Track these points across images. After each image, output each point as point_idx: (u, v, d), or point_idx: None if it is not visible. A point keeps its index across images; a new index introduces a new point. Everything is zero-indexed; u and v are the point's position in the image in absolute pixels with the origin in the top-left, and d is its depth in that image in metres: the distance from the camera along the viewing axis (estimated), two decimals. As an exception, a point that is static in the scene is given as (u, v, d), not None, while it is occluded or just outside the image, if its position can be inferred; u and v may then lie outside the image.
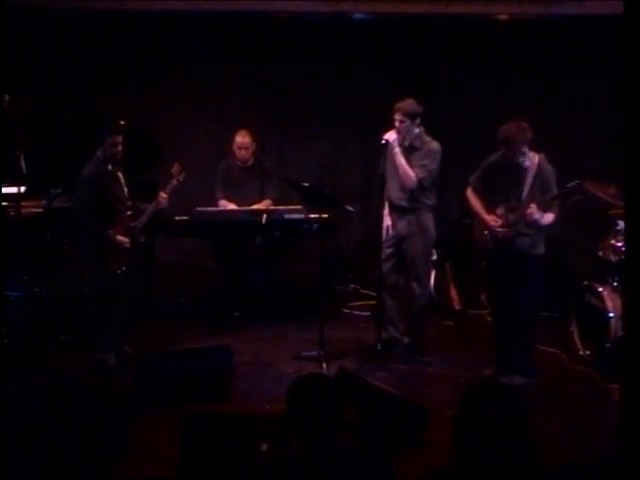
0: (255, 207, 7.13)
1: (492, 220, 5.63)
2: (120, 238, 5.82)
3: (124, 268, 5.85)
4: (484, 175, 5.78)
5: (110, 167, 5.86)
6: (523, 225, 5.52)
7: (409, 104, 6.05)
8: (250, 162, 7.36)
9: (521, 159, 5.51)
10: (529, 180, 5.54)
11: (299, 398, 2.79)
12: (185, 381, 5.17)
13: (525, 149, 5.49)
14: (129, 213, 5.93)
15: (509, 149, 5.48)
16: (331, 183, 7.98)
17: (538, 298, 5.85)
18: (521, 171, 5.56)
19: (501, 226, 5.59)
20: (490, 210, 5.68)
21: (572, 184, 5.37)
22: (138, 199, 6.15)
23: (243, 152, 7.28)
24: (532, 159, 5.54)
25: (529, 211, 5.41)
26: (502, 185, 5.65)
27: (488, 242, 5.70)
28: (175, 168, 6.17)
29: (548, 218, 5.49)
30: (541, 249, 5.65)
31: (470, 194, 5.82)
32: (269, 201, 7.24)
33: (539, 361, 5.88)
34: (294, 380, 2.86)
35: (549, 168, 5.59)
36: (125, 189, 5.96)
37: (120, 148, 5.82)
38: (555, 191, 5.50)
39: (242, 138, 7.28)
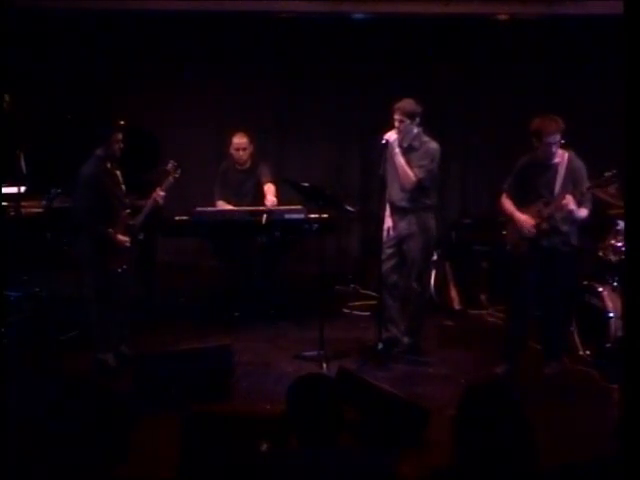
0: (266, 188, 7.15)
1: (526, 219, 5.65)
2: (120, 237, 5.82)
3: (125, 266, 5.86)
4: (517, 178, 5.81)
5: (109, 165, 5.86)
6: (559, 220, 5.57)
7: (408, 103, 6.05)
8: (248, 165, 7.35)
9: (553, 149, 5.54)
10: (561, 176, 5.60)
11: (299, 398, 2.79)
12: (185, 381, 5.17)
13: (553, 139, 5.50)
14: (127, 211, 5.94)
15: (540, 140, 5.51)
16: (331, 183, 7.99)
17: (573, 290, 6.01)
18: (552, 168, 5.62)
19: (535, 225, 5.61)
20: (524, 210, 5.71)
21: (609, 174, 5.41)
22: (136, 197, 6.15)
23: (241, 153, 7.28)
24: (562, 156, 5.61)
25: (565, 202, 5.44)
26: (535, 184, 5.69)
27: (522, 242, 5.71)
28: (170, 165, 6.18)
29: (583, 212, 5.55)
30: (572, 246, 5.71)
31: (504, 200, 5.85)
32: (272, 186, 7.19)
33: (539, 361, 5.89)
34: (294, 380, 2.86)
35: (580, 163, 5.66)
36: (123, 187, 5.97)
37: (122, 145, 5.84)
38: (588, 183, 5.55)
39: (239, 139, 7.28)
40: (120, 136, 5.81)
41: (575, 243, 5.72)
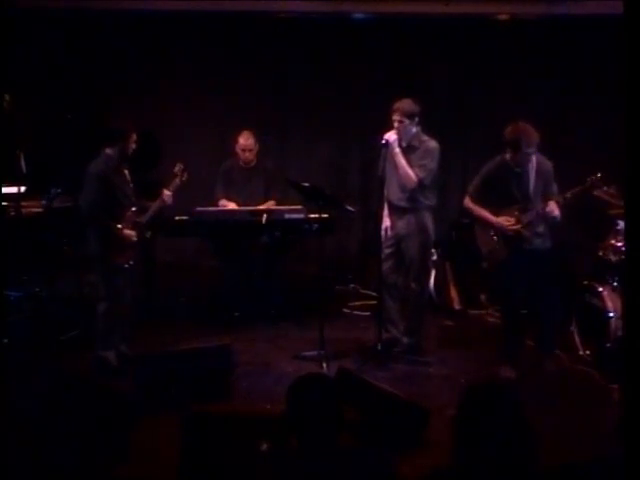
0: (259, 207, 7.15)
1: (504, 220, 5.66)
2: (128, 232, 5.84)
3: (131, 262, 5.87)
4: (484, 182, 5.81)
5: (118, 164, 5.88)
6: (537, 224, 5.59)
7: (407, 103, 6.05)
8: (253, 163, 7.35)
9: (530, 158, 5.55)
10: (532, 179, 5.64)
11: (299, 398, 2.79)
12: (185, 381, 5.17)
13: (532, 150, 5.52)
14: (134, 209, 5.96)
15: (519, 150, 5.52)
16: (331, 183, 7.99)
17: (560, 285, 6.02)
18: (524, 172, 5.61)
19: (514, 224, 5.62)
20: (497, 214, 5.71)
21: (593, 177, 5.44)
22: (141, 197, 6.17)
23: (247, 154, 7.26)
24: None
25: (549, 209, 5.48)
26: (506, 188, 5.69)
27: (498, 246, 5.71)
28: (178, 168, 6.19)
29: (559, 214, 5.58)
30: (550, 242, 5.75)
31: (470, 204, 5.86)
32: (273, 202, 7.23)
33: (538, 361, 5.89)
34: (294, 380, 2.86)
35: (548, 163, 5.70)
36: (131, 185, 5.99)
37: (135, 145, 5.87)
38: (555, 186, 5.58)
39: (245, 140, 7.25)
40: (135, 136, 5.84)
41: (549, 245, 5.75)
